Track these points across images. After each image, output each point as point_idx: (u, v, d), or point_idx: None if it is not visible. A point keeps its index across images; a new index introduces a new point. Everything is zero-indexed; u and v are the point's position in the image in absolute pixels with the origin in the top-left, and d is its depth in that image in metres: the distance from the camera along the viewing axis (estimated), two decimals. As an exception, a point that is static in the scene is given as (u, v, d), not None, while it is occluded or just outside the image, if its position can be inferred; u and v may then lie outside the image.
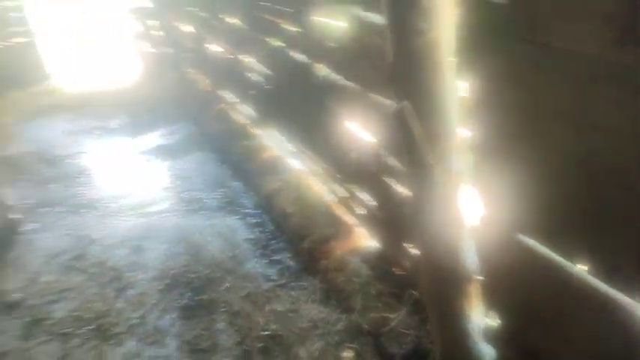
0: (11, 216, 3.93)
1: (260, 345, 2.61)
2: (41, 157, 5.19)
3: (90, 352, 2.70)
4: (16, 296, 3.15)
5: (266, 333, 2.68)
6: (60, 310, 3.01)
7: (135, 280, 3.21)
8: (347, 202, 3.30)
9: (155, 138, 5.38)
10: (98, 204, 4.17)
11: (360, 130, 2.69)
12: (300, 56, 3.27)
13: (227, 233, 3.62)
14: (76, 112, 6.43)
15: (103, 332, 2.81)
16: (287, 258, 3.27)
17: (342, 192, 3.36)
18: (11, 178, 4.65)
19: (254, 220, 3.74)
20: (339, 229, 3.22)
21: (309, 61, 3.11)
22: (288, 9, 3.25)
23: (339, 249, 3.09)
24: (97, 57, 8.66)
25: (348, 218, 3.30)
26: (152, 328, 2.81)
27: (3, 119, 6.33)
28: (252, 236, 3.56)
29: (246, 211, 3.88)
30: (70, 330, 2.85)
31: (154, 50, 7.46)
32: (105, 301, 3.04)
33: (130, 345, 2.71)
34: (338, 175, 3.33)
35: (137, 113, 6.10)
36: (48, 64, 8.23)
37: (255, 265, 3.26)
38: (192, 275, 3.19)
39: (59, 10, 8.99)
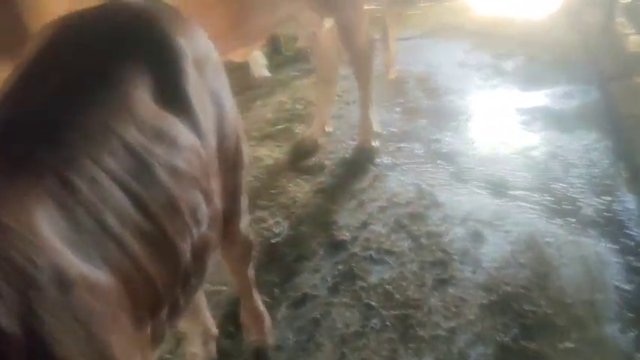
0: (374, 143, 3.83)
1: None
2: (422, 83, 4.96)
3: (383, 343, 2.38)
4: (344, 237, 3.03)
5: None
6: (374, 274, 2.76)
7: (460, 277, 2.70)
8: None
9: (543, 96, 4.50)
10: (457, 159, 3.70)
11: None
12: None
13: (593, 265, 2.73)
14: (475, 40, 5.93)
15: (405, 327, 2.44)
16: (672, 351, 2.24)
17: None
18: (385, 99, 4.57)
19: (638, 264, 2.71)
20: None
21: None
22: None
23: None
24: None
25: None
26: (457, 355, 2.30)
27: (404, 32, 6.33)
28: (627, 287, 2.58)
29: (631, 244, 2.84)
30: (375, 304, 2.58)
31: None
32: (420, 289, 2.65)
33: (426, 362, 2.29)
34: None
35: (535, 58, 5.22)
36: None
37: (618, 335, 2.34)
38: (527, 307, 2.49)
39: None
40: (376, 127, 3.88)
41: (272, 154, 3.97)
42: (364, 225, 3.13)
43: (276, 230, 3.10)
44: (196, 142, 1.36)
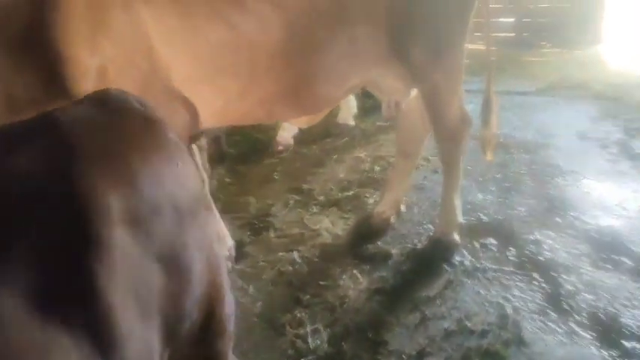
0: (454, 237, 3.14)
1: None
2: (529, 155, 4.19)
3: None
4: None
5: None
6: None
7: None
8: None
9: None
10: (558, 276, 2.92)
11: None
12: None
13: None
14: (603, 105, 5.01)
15: None
16: None
17: None
18: (479, 172, 3.87)
19: None
20: None
21: None
22: None
23: None
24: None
25: None
26: None
27: (516, 84, 5.54)
28: None
29: None
30: None
31: None
32: None
33: None
34: None
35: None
36: (605, 25, 6.86)
37: None
38: None
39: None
40: (460, 216, 3.19)
41: (333, 228, 3.43)
42: (421, 356, 2.48)
43: (312, 343, 2.54)
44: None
